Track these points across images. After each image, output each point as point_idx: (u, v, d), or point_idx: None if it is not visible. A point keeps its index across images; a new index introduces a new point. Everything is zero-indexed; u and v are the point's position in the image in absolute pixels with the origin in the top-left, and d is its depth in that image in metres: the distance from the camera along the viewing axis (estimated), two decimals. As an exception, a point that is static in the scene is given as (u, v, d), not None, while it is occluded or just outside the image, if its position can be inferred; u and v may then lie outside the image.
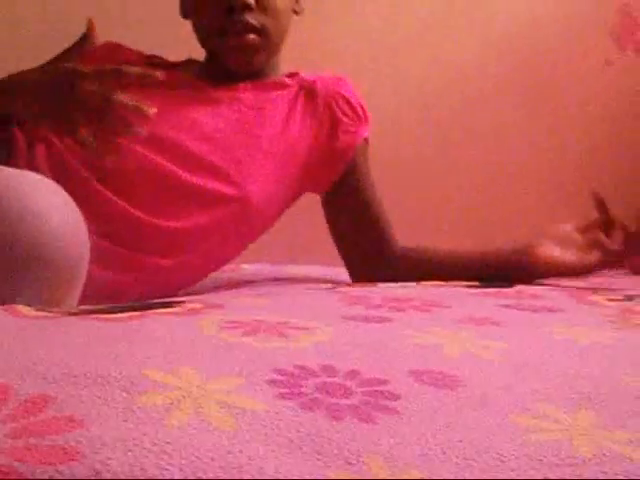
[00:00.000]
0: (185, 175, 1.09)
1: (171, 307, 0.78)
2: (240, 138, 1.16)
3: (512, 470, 0.47)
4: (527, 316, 0.84)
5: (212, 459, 0.43)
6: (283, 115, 1.21)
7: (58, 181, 1.01)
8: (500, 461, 0.47)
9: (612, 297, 1.01)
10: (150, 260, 1.06)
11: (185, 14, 1.27)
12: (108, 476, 0.41)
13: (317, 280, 1.31)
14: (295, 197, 1.28)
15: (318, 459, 0.45)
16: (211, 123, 1.15)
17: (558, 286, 1.08)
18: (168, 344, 0.60)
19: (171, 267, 1.06)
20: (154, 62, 1.24)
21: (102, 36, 1.08)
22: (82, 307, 0.87)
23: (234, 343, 0.62)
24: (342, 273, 1.33)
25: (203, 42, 1.23)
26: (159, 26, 2.02)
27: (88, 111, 0.95)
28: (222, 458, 0.44)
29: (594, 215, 1.09)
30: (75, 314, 0.75)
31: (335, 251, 1.31)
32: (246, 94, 1.20)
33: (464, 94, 2.31)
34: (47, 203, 0.84)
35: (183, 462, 0.43)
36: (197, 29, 1.24)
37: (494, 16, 2.34)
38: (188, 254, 1.07)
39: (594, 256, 1.09)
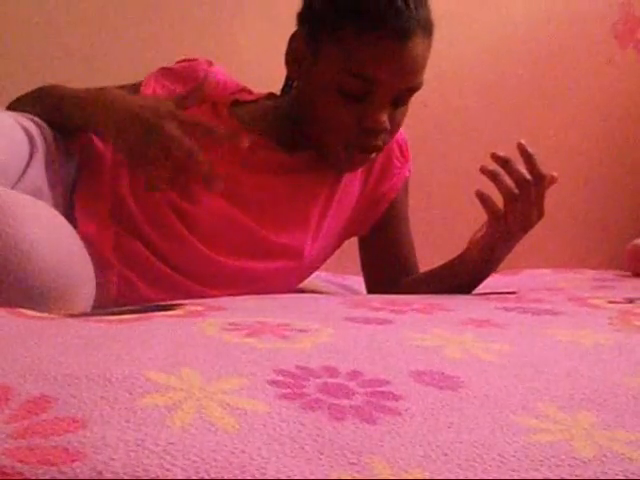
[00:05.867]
0: (258, 229, 1.13)
1: (172, 309, 0.78)
2: (308, 200, 1.18)
3: (513, 470, 0.47)
4: (528, 318, 0.84)
5: (214, 460, 0.43)
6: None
7: (139, 207, 1.08)
8: (501, 462, 0.48)
9: (613, 299, 1.01)
10: (199, 289, 1.09)
11: (292, 74, 1.18)
12: (110, 477, 0.41)
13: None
14: (341, 244, 1.29)
15: (320, 459, 0.45)
16: (285, 187, 1.17)
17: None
18: (170, 345, 0.60)
19: (216, 296, 1.07)
20: (239, 99, 1.23)
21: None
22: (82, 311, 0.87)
23: (236, 344, 0.62)
24: (346, 279, 1.33)
25: (312, 128, 1.14)
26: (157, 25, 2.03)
27: (166, 156, 0.96)
28: (224, 459, 0.44)
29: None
30: (76, 316, 0.75)
31: (340, 258, 1.31)
32: (318, 158, 1.19)
33: (465, 93, 2.31)
34: (34, 239, 0.80)
35: (185, 463, 0.43)
36: (313, 113, 1.13)
37: (496, 16, 2.35)
38: (236, 289, 1.09)
39: (489, 223, 1.08)
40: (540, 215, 1.06)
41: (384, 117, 1.09)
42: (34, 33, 1.93)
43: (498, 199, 1.05)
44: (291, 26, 1.18)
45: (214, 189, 0.97)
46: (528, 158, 1.02)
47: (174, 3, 2.06)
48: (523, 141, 1.02)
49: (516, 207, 1.03)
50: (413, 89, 1.11)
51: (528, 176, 1.01)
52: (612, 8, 2.44)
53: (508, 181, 1.02)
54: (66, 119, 1.09)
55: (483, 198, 1.04)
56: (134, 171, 1.06)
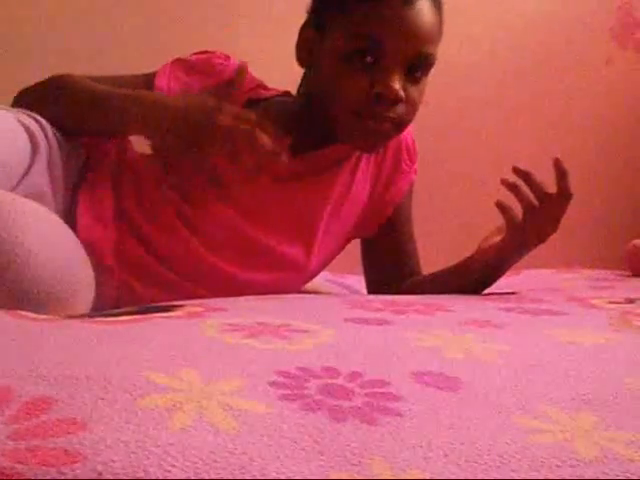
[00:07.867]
0: (263, 239, 1.13)
1: (172, 310, 0.78)
2: (316, 209, 1.17)
3: (513, 471, 0.47)
4: (529, 319, 0.84)
5: (214, 461, 0.43)
6: (350, 170, 1.20)
7: (142, 211, 1.09)
8: (501, 462, 0.47)
9: (613, 299, 1.01)
10: (201, 293, 1.08)
11: (304, 63, 1.15)
12: (110, 478, 0.41)
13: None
14: (344, 246, 1.28)
15: (320, 460, 0.45)
16: (294, 194, 1.16)
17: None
18: (170, 346, 0.60)
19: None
20: (255, 97, 1.20)
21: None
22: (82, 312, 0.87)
23: (236, 345, 0.62)
24: (347, 279, 1.32)
25: (324, 106, 1.11)
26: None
27: (226, 148, 0.97)
28: (224, 459, 0.44)
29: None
30: (76, 317, 0.75)
31: (340, 258, 1.31)
32: (327, 162, 1.18)
33: (466, 93, 2.31)
34: (32, 245, 0.80)
35: (185, 464, 0.43)
36: (324, 88, 1.10)
37: (495, 17, 2.35)
38: (238, 295, 1.09)
39: (507, 232, 1.09)
40: (554, 229, 1.07)
41: (396, 84, 1.05)
42: (34, 33, 1.93)
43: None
44: (290, 25, 1.18)
45: (281, 164, 0.98)
46: (562, 175, 1.03)
47: (174, 3, 2.06)
48: (559, 156, 1.03)
49: (535, 219, 1.05)
50: (424, 59, 1.08)
51: (549, 190, 1.02)
52: (611, 9, 2.44)
53: (528, 193, 1.03)
54: (97, 120, 1.06)
55: (503, 208, 1.05)
56: (184, 171, 1.06)
